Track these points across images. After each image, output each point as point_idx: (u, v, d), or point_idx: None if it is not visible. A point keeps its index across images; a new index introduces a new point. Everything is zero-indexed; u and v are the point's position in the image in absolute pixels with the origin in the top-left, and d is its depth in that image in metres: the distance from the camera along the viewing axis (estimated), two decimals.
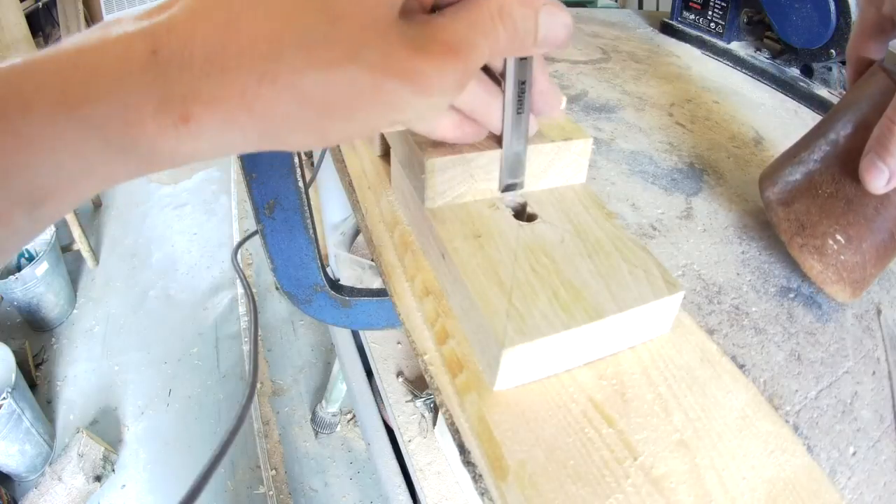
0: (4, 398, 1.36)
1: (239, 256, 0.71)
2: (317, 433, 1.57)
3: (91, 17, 3.35)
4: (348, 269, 1.09)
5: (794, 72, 0.82)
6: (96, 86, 0.14)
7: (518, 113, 0.30)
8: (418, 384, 1.00)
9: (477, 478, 0.27)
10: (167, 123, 0.15)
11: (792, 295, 0.43)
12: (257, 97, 0.15)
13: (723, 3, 0.89)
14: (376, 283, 1.04)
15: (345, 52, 0.16)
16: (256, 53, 0.15)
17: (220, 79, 0.15)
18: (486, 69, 0.28)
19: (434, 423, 0.92)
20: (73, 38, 0.16)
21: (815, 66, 0.79)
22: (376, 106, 0.18)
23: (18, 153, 0.14)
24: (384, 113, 0.18)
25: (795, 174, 0.44)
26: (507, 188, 0.35)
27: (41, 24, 3.01)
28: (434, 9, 0.21)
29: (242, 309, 1.97)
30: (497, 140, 0.33)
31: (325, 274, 0.63)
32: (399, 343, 1.06)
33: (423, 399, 0.96)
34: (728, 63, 0.90)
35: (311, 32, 0.16)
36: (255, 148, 0.17)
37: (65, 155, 0.15)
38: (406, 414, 0.94)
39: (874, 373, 0.38)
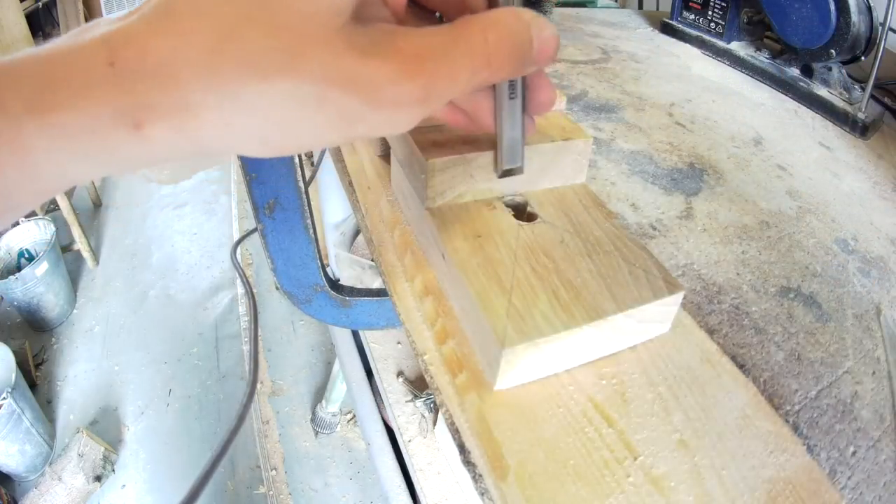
0: (4, 398, 1.36)
1: (238, 255, 0.71)
2: (317, 433, 1.57)
3: (91, 17, 3.35)
4: (348, 269, 1.09)
5: (794, 72, 0.82)
6: (62, 94, 0.15)
7: (511, 98, 0.30)
8: (418, 384, 1.00)
9: (477, 478, 0.27)
10: (123, 131, 0.16)
11: (792, 295, 0.43)
12: (202, 107, 0.16)
13: (723, 3, 0.89)
14: (376, 283, 1.04)
15: (284, 63, 0.16)
16: (202, 65, 0.16)
17: (168, 89, 0.16)
18: None
19: (434, 423, 0.92)
20: (57, 40, 0.17)
21: (815, 66, 0.79)
22: (323, 117, 0.17)
23: None
24: (334, 125, 0.18)
25: None
26: (505, 173, 0.34)
27: (41, 23, 3.01)
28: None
29: (242, 309, 1.97)
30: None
31: (325, 274, 0.63)
32: (399, 343, 1.06)
33: (423, 399, 0.96)
34: (728, 63, 0.90)
35: (251, 44, 0.16)
36: (211, 154, 0.18)
37: (35, 154, 0.16)
38: (406, 414, 0.94)
39: (874, 373, 0.38)
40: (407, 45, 0.18)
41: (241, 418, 0.24)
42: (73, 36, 0.17)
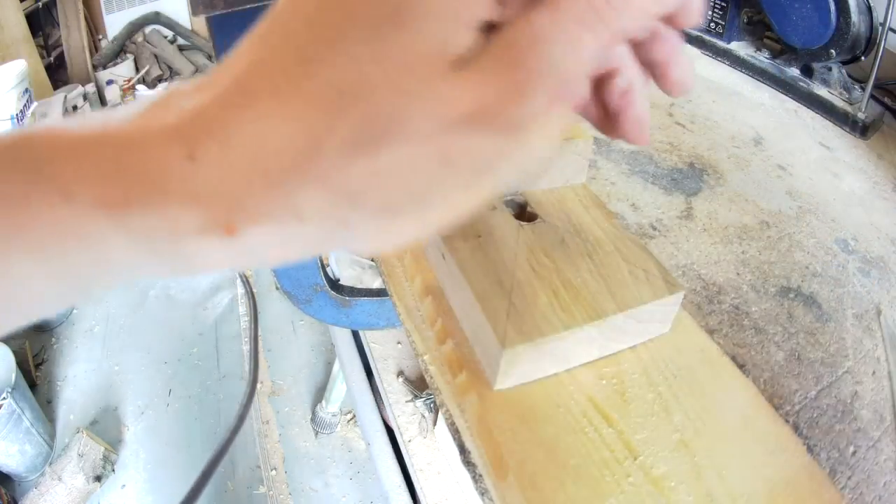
0: (4, 398, 1.36)
1: None
2: (317, 433, 1.57)
3: (91, 17, 3.36)
4: (348, 269, 1.09)
5: (794, 72, 0.82)
6: (137, 193, 0.13)
7: None
8: (418, 384, 1.00)
9: (477, 478, 0.27)
10: (210, 235, 0.14)
11: (792, 295, 0.43)
12: (306, 202, 0.13)
13: (723, 3, 0.89)
14: (376, 283, 1.04)
15: (395, 128, 0.13)
16: (299, 153, 0.13)
17: (262, 186, 0.13)
18: None
19: (434, 423, 0.92)
20: (115, 114, 0.14)
21: (815, 66, 0.79)
22: (439, 181, 0.14)
23: (59, 238, 0.13)
24: (454, 186, 0.14)
25: None
26: None
27: (41, 23, 3.01)
28: None
29: (242, 309, 1.97)
30: None
31: (325, 274, 0.63)
32: (399, 343, 1.06)
33: (423, 399, 0.96)
34: (728, 63, 0.90)
35: (353, 121, 0.13)
36: (319, 252, 0.15)
37: (110, 252, 0.14)
38: (406, 414, 0.94)
39: (874, 373, 0.38)
40: (500, 48, 0.14)
41: (242, 418, 0.24)
42: (135, 115, 0.14)
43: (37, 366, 1.80)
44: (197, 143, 0.13)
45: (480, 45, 0.14)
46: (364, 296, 0.67)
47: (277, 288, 1.94)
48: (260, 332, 1.87)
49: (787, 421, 0.32)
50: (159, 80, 3.56)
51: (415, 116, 0.13)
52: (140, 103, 0.15)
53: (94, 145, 0.13)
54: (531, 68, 0.13)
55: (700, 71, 0.87)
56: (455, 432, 0.30)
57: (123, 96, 3.22)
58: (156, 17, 3.60)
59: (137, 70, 3.44)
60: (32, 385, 1.70)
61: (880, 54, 0.70)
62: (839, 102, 0.76)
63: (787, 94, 0.81)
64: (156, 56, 3.60)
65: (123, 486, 1.46)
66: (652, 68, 0.19)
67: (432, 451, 0.89)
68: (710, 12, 0.92)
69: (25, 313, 0.15)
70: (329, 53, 0.13)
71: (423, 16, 0.13)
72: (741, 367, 0.36)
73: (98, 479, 1.42)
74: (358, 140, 0.13)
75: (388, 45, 0.12)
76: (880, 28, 0.70)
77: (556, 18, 0.14)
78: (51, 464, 1.43)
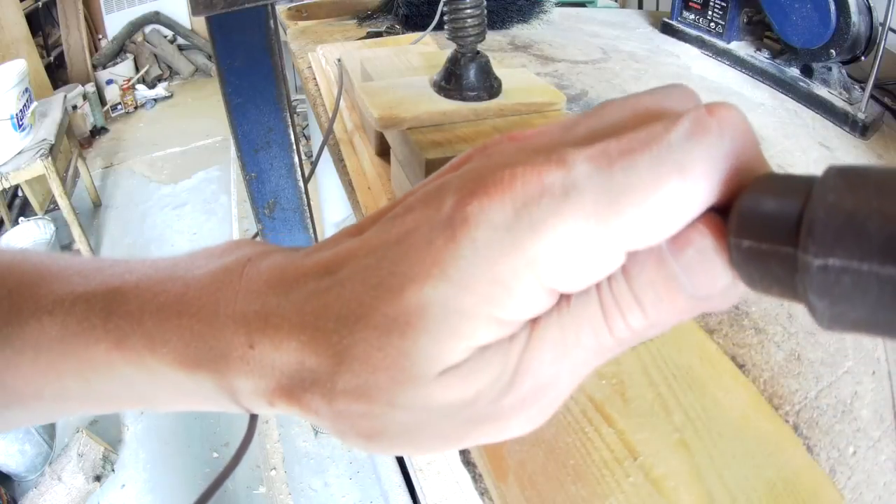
0: None
1: None
2: (317, 433, 1.57)
3: (91, 17, 3.36)
4: None
5: (794, 72, 0.82)
6: (206, 359, 0.17)
7: None
8: None
9: (477, 478, 0.27)
10: (257, 402, 0.17)
11: None
12: (320, 408, 0.16)
13: (723, 3, 0.89)
14: None
15: (378, 398, 0.16)
16: (316, 378, 0.16)
17: (298, 386, 0.16)
18: None
19: None
20: (192, 275, 0.18)
21: (815, 66, 0.79)
22: (417, 439, 0.17)
23: (146, 377, 0.17)
24: (431, 440, 0.17)
25: None
26: None
27: (41, 23, 3.01)
28: None
29: None
30: None
31: None
32: None
33: None
34: (728, 63, 0.90)
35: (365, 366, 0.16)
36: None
37: (175, 393, 0.18)
38: None
39: (874, 373, 0.38)
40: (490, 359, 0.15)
41: (252, 427, 0.25)
42: (209, 275, 0.18)
43: None
44: (255, 338, 0.16)
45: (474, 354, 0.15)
46: None
47: None
48: None
49: (787, 421, 0.32)
50: (159, 79, 3.56)
51: (399, 397, 0.15)
52: (212, 254, 0.19)
53: (175, 315, 0.17)
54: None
55: (700, 71, 0.87)
56: None
57: (123, 96, 3.22)
58: (156, 17, 3.60)
59: (137, 69, 3.44)
60: None
61: (880, 54, 0.70)
62: (839, 102, 0.76)
63: (786, 94, 0.81)
64: (155, 56, 3.60)
65: (123, 485, 1.46)
66: None
67: None
68: (710, 12, 0.92)
69: (79, 413, 0.21)
70: (356, 328, 0.15)
71: (425, 337, 0.15)
72: (741, 367, 0.36)
73: (98, 478, 1.42)
74: (355, 392, 0.16)
75: (392, 344, 0.15)
76: (880, 28, 0.70)
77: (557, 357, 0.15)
78: (50, 463, 1.43)
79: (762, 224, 0.12)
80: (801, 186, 0.12)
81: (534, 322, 0.15)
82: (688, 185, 0.13)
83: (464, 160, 0.17)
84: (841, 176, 0.11)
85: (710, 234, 0.14)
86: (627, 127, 0.14)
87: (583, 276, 0.14)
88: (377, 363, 0.15)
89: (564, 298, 0.15)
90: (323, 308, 0.16)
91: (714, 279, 0.14)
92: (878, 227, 0.10)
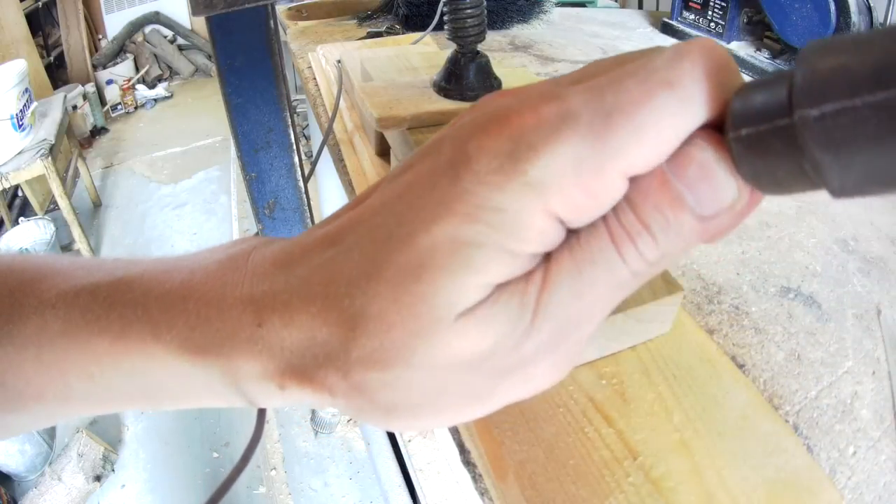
0: None
1: None
2: (316, 433, 1.57)
3: (91, 17, 3.36)
4: None
5: None
6: (214, 345, 0.17)
7: None
8: None
9: (477, 478, 0.27)
10: (266, 387, 0.17)
11: (792, 295, 0.43)
12: (334, 385, 0.16)
13: (723, 3, 0.89)
14: None
15: (394, 357, 0.15)
16: (330, 351, 0.16)
17: (305, 363, 0.16)
18: None
19: None
20: (198, 265, 0.18)
21: None
22: (436, 402, 0.16)
23: (147, 365, 0.17)
24: (448, 406, 0.16)
25: None
26: None
27: (41, 23, 3.01)
28: None
29: None
30: None
31: None
32: None
33: None
34: None
35: (374, 340, 0.15)
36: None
37: (181, 381, 0.18)
38: None
39: (874, 373, 0.38)
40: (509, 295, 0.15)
41: (259, 427, 0.25)
42: (216, 263, 0.17)
43: None
44: (264, 317, 0.16)
45: (489, 295, 0.15)
46: None
47: None
48: None
49: (787, 421, 0.32)
50: (159, 79, 3.56)
51: (418, 353, 0.15)
52: (216, 250, 0.18)
53: (181, 299, 0.17)
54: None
55: None
56: (455, 432, 0.30)
57: (123, 96, 3.22)
58: (156, 17, 3.60)
59: (137, 69, 3.44)
60: None
61: None
62: None
63: None
64: (155, 56, 3.60)
65: (123, 485, 1.46)
66: None
67: (432, 451, 0.89)
68: (710, 12, 0.92)
69: (81, 415, 0.20)
70: (368, 286, 0.15)
71: (440, 276, 0.14)
72: (741, 367, 0.36)
73: (98, 478, 1.42)
74: (372, 358, 0.15)
75: (407, 292, 0.15)
76: (880, 28, 0.70)
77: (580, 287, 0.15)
78: (50, 463, 1.43)
79: (756, 110, 0.13)
80: (785, 74, 0.13)
81: (547, 261, 0.15)
82: (676, 95, 0.13)
83: (457, 119, 0.17)
84: (818, 43, 0.12)
85: (709, 146, 0.14)
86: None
87: (586, 205, 0.14)
88: (392, 318, 0.15)
89: (574, 235, 0.15)
90: (332, 277, 0.16)
91: (719, 192, 0.14)
92: (860, 63, 0.11)
